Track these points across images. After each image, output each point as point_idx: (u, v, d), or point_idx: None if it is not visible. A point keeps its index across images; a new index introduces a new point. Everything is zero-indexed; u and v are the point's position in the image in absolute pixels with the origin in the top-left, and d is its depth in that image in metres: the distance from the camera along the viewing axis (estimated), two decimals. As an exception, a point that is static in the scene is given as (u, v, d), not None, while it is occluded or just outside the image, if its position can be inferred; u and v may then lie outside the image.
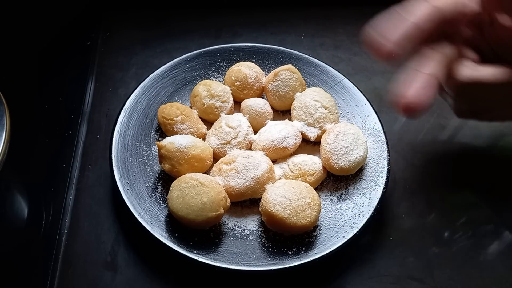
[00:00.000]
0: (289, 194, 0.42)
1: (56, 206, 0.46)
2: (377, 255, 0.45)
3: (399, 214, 0.48)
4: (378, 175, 0.47)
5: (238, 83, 0.52)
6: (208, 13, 0.66)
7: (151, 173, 0.48)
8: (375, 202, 0.45)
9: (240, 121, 0.49)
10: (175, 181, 0.43)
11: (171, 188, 0.43)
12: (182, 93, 0.54)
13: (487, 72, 0.37)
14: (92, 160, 0.50)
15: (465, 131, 0.55)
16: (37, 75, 0.55)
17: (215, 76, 0.56)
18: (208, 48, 0.57)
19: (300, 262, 0.41)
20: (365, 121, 0.52)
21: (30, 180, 0.47)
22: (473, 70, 0.38)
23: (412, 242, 0.46)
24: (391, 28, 0.35)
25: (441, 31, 0.36)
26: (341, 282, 0.44)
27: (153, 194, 0.46)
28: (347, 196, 0.47)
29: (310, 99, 0.50)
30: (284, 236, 0.44)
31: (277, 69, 0.52)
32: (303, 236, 0.43)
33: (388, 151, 0.48)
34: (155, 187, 0.47)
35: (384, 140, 0.49)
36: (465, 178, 0.51)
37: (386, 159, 0.48)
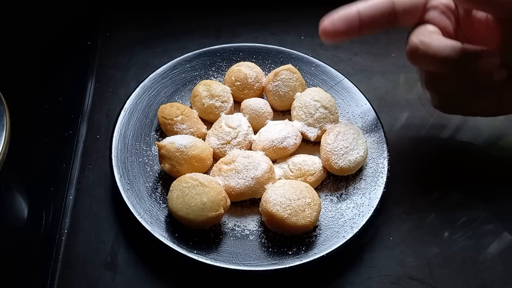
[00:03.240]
0: (289, 194, 0.42)
1: (56, 206, 0.46)
2: (377, 255, 0.45)
3: (399, 214, 0.48)
4: (378, 175, 0.47)
5: (238, 83, 0.52)
6: (208, 13, 0.66)
7: (151, 173, 0.48)
8: (375, 202, 0.45)
9: (240, 121, 0.49)
10: (175, 181, 0.43)
11: (171, 188, 0.43)
12: (182, 93, 0.54)
13: (438, 40, 0.38)
14: (92, 160, 0.50)
15: (465, 131, 0.55)
16: (37, 75, 0.55)
17: (215, 76, 0.56)
18: (208, 48, 0.57)
19: (300, 262, 0.41)
20: (365, 121, 0.52)
21: (30, 180, 0.47)
22: (425, 36, 0.39)
23: (412, 242, 0.46)
24: (339, 13, 0.41)
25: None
26: (341, 282, 0.44)
27: (153, 194, 0.46)
28: (347, 196, 0.47)
29: (310, 99, 0.50)
30: (284, 236, 0.44)
31: (277, 69, 0.52)
32: (303, 236, 0.43)
33: (388, 151, 0.48)
34: (155, 187, 0.47)
35: (384, 140, 0.49)
36: (465, 178, 0.51)
37: (386, 159, 0.48)
